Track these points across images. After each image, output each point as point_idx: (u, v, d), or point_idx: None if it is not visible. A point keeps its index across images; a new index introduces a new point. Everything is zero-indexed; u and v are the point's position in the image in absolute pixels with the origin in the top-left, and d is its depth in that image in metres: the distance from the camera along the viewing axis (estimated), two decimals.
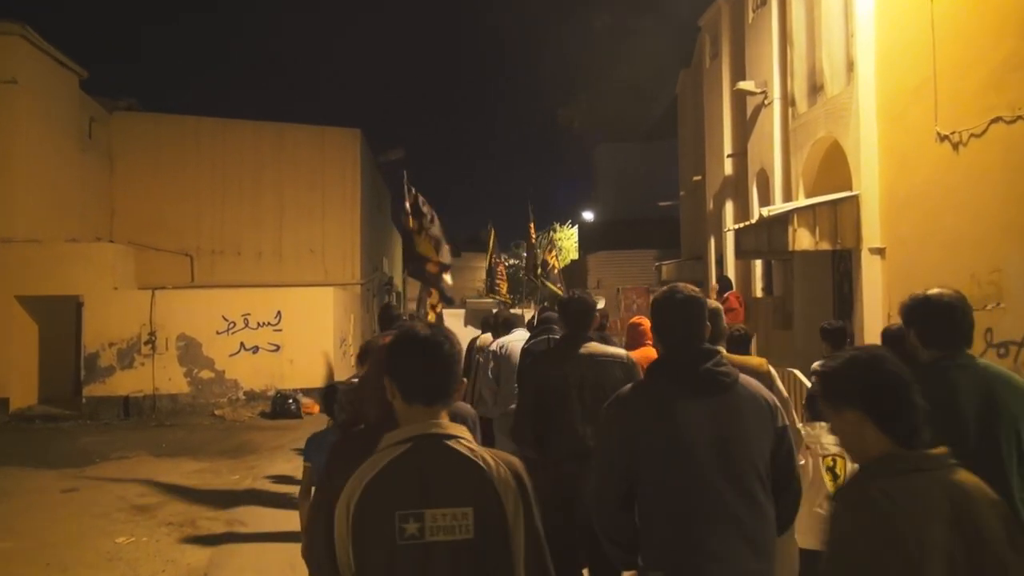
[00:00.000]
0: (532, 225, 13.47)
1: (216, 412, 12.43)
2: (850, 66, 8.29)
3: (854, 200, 8.13)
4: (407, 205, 7.42)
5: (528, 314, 12.84)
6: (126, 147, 16.60)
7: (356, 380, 4.25)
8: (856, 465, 1.81)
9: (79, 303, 12.75)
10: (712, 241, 14.75)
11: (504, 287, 13.23)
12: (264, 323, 13.11)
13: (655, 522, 2.28)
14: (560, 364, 3.55)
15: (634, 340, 5.02)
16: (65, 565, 5.48)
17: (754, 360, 4.13)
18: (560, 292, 11.41)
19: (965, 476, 1.66)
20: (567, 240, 39.47)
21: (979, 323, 6.18)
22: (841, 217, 8.18)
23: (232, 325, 13.01)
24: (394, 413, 1.80)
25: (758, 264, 12.41)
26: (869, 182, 8.02)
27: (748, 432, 2.27)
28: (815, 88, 9.32)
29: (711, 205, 14.78)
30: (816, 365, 3.99)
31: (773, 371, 3.97)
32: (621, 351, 3.72)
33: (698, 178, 15.98)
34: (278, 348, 13.12)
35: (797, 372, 7.17)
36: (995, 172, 6.14)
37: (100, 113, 16.01)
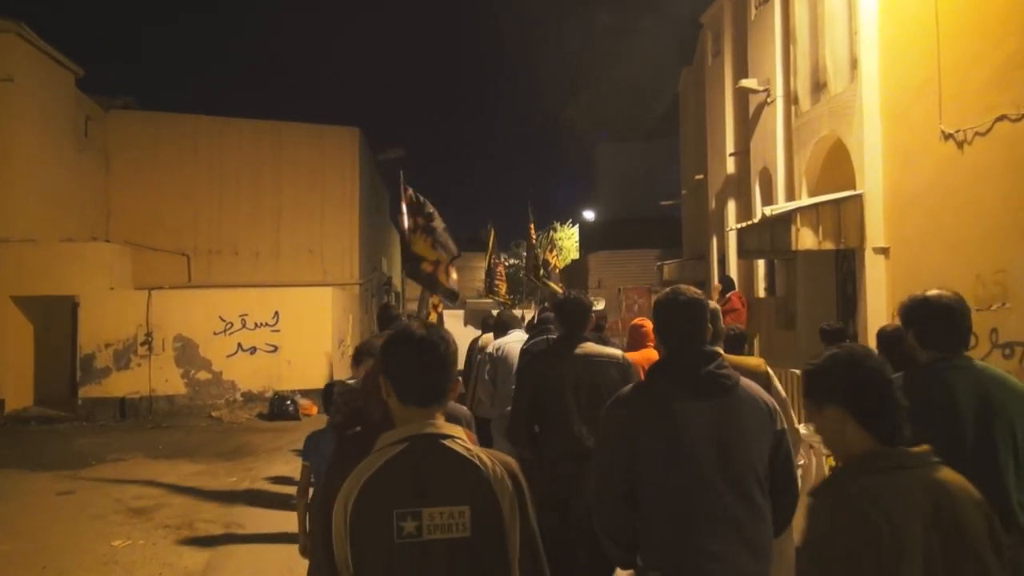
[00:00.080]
0: (532, 225, 13.47)
1: (213, 414, 12.43)
2: (854, 64, 8.29)
3: (858, 199, 8.13)
4: (403, 205, 7.41)
5: (528, 314, 12.84)
6: (123, 146, 16.59)
7: (351, 381, 4.27)
8: None
9: (75, 303, 12.75)
10: (714, 240, 14.74)
11: (503, 288, 13.22)
12: (262, 324, 13.10)
13: (654, 523, 2.32)
14: (556, 364, 3.58)
15: (636, 341, 5.04)
16: (61, 568, 5.48)
17: (751, 360, 4.15)
18: (561, 292, 11.39)
19: (948, 474, 1.68)
20: (568, 240, 39.49)
21: (984, 323, 6.23)
22: (844, 216, 8.18)
23: (229, 326, 13.00)
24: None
25: (761, 264, 12.41)
26: (873, 181, 8.01)
27: (748, 435, 2.31)
28: (818, 86, 9.32)
29: (713, 204, 14.78)
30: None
31: (771, 372, 3.98)
32: (616, 351, 3.74)
33: (700, 177, 15.98)
34: (276, 349, 13.11)
35: (799, 373, 7.17)
36: (1000, 170, 6.14)
37: (97, 112, 16.02)
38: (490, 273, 13.16)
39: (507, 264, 24.25)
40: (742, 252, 10.78)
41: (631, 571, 2.55)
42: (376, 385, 1.91)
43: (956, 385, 2.48)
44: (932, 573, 1.58)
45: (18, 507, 7.16)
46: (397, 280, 26.69)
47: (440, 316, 7.97)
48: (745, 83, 11.64)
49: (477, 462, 1.72)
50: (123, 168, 16.59)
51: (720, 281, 11.66)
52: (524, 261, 18.80)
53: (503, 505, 1.70)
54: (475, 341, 6.80)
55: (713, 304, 3.56)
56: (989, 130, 6.24)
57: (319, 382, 12.52)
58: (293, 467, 8.21)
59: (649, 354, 4.65)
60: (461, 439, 1.76)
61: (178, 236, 16.78)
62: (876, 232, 7.98)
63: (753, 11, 12.12)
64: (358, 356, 4.07)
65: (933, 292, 2.64)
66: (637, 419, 2.38)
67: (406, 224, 7.38)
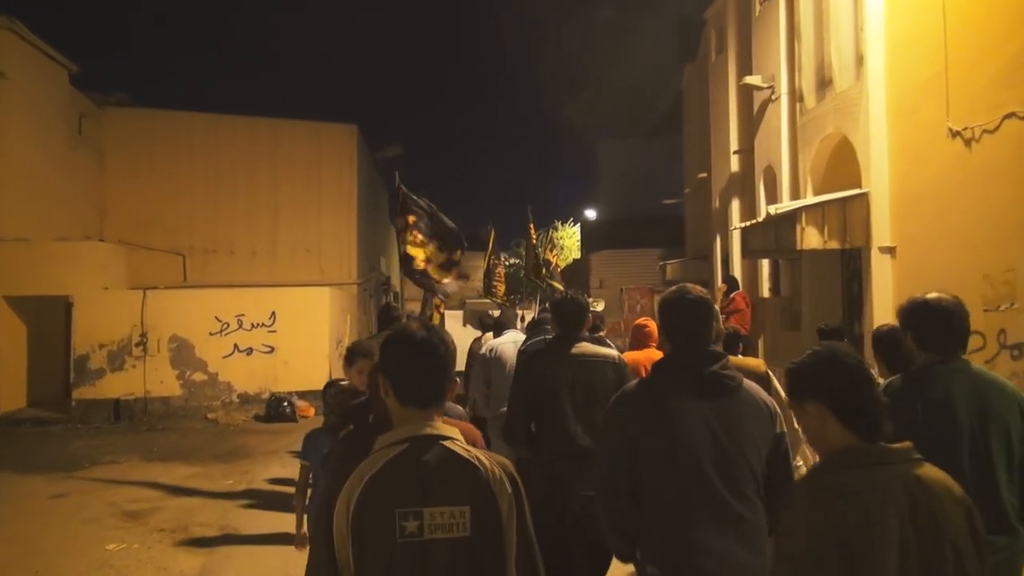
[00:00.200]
0: (532, 225, 13.47)
1: (209, 415, 12.43)
2: (859, 60, 8.28)
3: (864, 198, 8.12)
4: (398, 206, 7.42)
5: (529, 315, 12.83)
6: (117, 143, 16.61)
7: (345, 383, 4.31)
8: None
9: (69, 303, 12.76)
10: (718, 240, 14.74)
11: (501, 288, 13.22)
12: (258, 324, 13.11)
13: (654, 519, 2.40)
14: (552, 364, 3.63)
15: (639, 341, 5.06)
16: (55, 572, 5.48)
17: (752, 361, 4.18)
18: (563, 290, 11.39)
19: (928, 471, 1.72)
20: (569, 239, 39.50)
21: (992, 324, 6.23)
22: (850, 215, 8.17)
23: (225, 326, 13.01)
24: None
25: (765, 263, 12.40)
26: (879, 179, 8.01)
27: (748, 436, 2.38)
28: (823, 83, 9.32)
29: (717, 203, 14.77)
30: None
31: (771, 373, 4.01)
32: (612, 352, 3.79)
33: (703, 175, 15.97)
34: (273, 350, 13.12)
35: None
36: (1009, 169, 6.14)
37: (91, 108, 16.02)
38: (489, 274, 13.17)
39: (507, 264, 24.26)
40: (746, 252, 10.77)
41: (630, 565, 2.61)
42: (377, 384, 1.95)
43: (954, 387, 2.56)
44: (907, 568, 1.62)
45: (11, 510, 7.16)
46: (396, 280, 26.69)
47: (442, 316, 7.98)
48: (749, 80, 11.63)
49: (477, 463, 1.76)
50: (117, 166, 16.60)
51: (724, 281, 11.67)
52: (524, 260, 18.80)
53: (502, 506, 1.75)
54: (476, 341, 6.84)
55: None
56: (997, 128, 6.23)
57: (316, 383, 12.48)
58: (290, 469, 8.21)
59: (652, 354, 4.67)
60: (460, 440, 1.80)
61: (173, 235, 16.79)
62: (882, 231, 7.97)
63: (757, 7, 12.11)
64: (350, 357, 4.11)
65: (932, 295, 2.71)
66: (638, 418, 2.45)
67: (399, 223, 7.39)
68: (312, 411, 12.26)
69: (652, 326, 4.97)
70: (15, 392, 12.69)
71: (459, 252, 7.61)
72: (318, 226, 17.76)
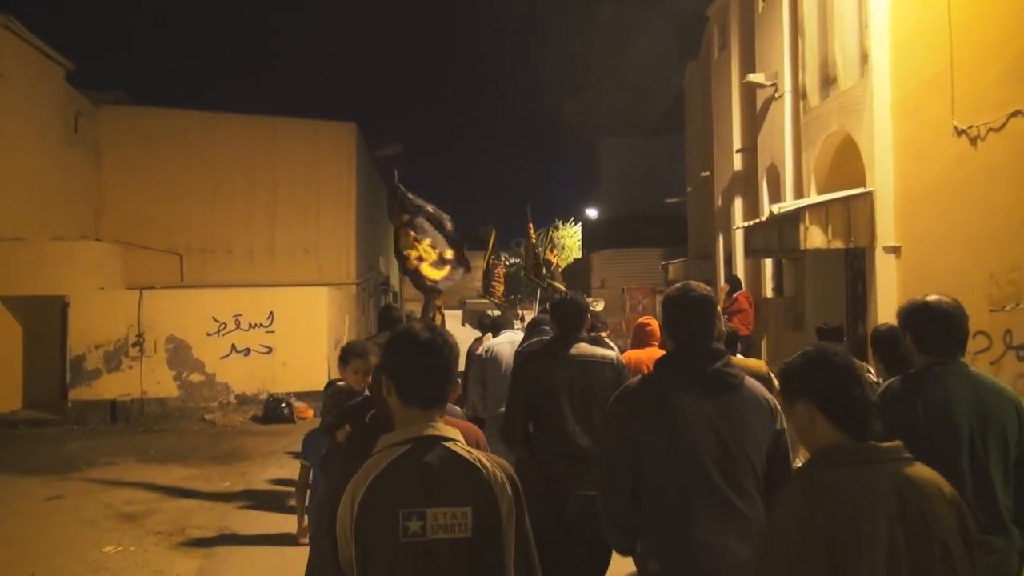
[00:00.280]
0: (531, 225, 13.47)
1: (206, 416, 12.43)
2: (864, 58, 8.28)
3: (868, 197, 8.13)
4: (396, 205, 7.46)
5: (530, 315, 12.82)
6: (113, 142, 16.61)
7: (342, 383, 4.33)
8: None
9: (64, 303, 12.76)
10: (720, 239, 14.75)
11: (500, 289, 13.22)
12: (256, 324, 13.11)
13: (655, 515, 2.44)
14: (550, 365, 3.66)
15: (641, 340, 5.09)
16: (51, 575, 5.48)
17: (753, 363, 4.22)
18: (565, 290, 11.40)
19: (918, 470, 1.74)
20: (570, 238, 39.52)
21: (998, 324, 6.22)
22: (854, 214, 8.17)
23: (223, 326, 13.01)
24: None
25: (768, 263, 12.40)
26: (883, 178, 8.01)
27: (749, 433, 2.42)
28: (827, 81, 9.32)
29: (719, 202, 14.78)
30: None
31: (773, 375, 4.03)
32: (610, 352, 3.83)
33: (706, 174, 15.98)
34: (270, 350, 13.12)
35: None
36: (1014, 167, 6.14)
37: (87, 107, 16.03)
38: (488, 274, 13.16)
39: (507, 264, 24.25)
40: (749, 251, 10.77)
41: (631, 566, 2.68)
42: (379, 383, 1.98)
43: (954, 390, 2.62)
44: (896, 566, 1.64)
45: (6, 512, 7.16)
46: (395, 279, 26.71)
47: (443, 317, 8.01)
48: (752, 78, 11.64)
49: (479, 465, 1.80)
50: (114, 164, 16.60)
51: (727, 281, 11.66)
52: (524, 260, 18.82)
53: (502, 507, 1.79)
54: (476, 341, 6.87)
55: None
56: (1003, 126, 6.23)
57: (314, 384, 12.52)
58: (288, 471, 8.22)
59: (653, 353, 4.69)
60: (461, 441, 1.84)
61: (170, 234, 16.80)
62: (887, 230, 7.98)
63: (760, 3, 12.11)
64: (344, 357, 4.15)
65: (932, 297, 2.77)
66: (639, 416, 2.48)
67: (396, 223, 7.43)
68: (311, 412, 12.26)
69: (654, 325, 5.02)
70: (10, 393, 12.69)
71: (451, 250, 7.62)
72: (316, 225, 17.76)
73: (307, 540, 4.77)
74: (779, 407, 2.49)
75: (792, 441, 2.50)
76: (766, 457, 2.43)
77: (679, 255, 19.63)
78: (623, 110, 31.12)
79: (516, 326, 6.70)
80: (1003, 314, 6.13)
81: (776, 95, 11.25)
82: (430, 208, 7.62)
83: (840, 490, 1.68)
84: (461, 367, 2.27)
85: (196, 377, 12.88)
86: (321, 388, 5.71)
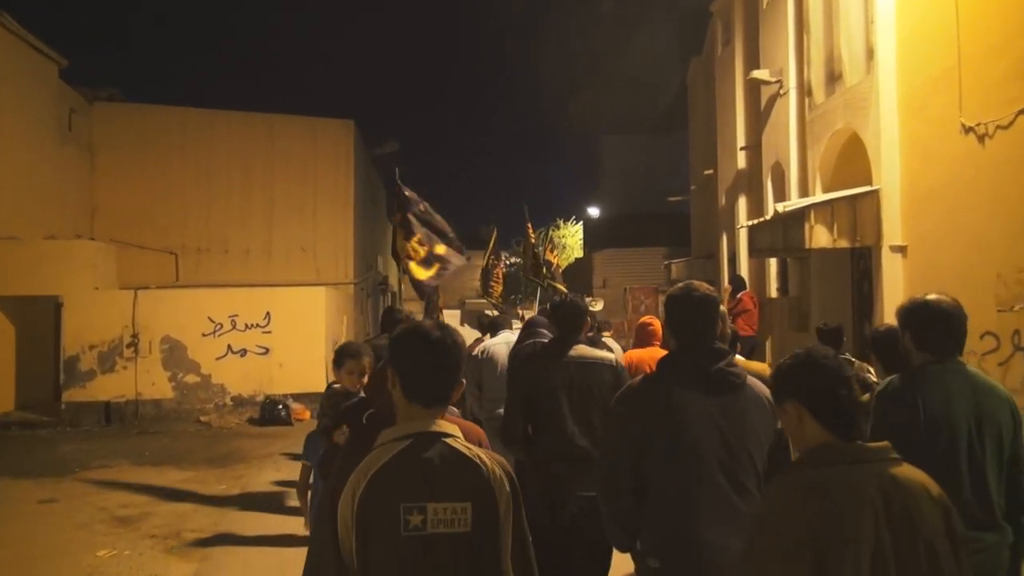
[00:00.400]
0: (529, 225, 13.49)
1: (202, 418, 12.43)
2: (870, 54, 8.28)
3: (874, 195, 8.13)
4: (395, 204, 7.50)
5: (529, 315, 12.82)
6: (108, 140, 16.61)
7: (336, 386, 4.36)
8: None
9: (58, 304, 12.77)
10: (724, 238, 14.76)
11: (498, 289, 13.24)
12: (252, 325, 13.11)
13: (656, 514, 2.49)
14: (548, 366, 3.70)
15: (643, 340, 5.13)
16: None
17: (756, 366, 4.26)
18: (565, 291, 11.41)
19: (905, 470, 1.78)
20: (572, 237, 39.51)
21: (1006, 325, 6.22)
22: (860, 213, 8.17)
23: (219, 327, 13.01)
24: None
25: (773, 263, 12.41)
26: (890, 176, 8.01)
27: (751, 432, 2.48)
28: (833, 77, 9.32)
29: (723, 200, 14.78)
30: None
31: None
32: (609, 354, 3.87)
33: (709, 172, 15.99)
34: (267, 351, 13.12)
35: None
36: (1022, 165, 6.14)
37: (81, 104, 16.03)
38: (487, 274, 13.17)
39: (507, 264, 24.24)
40: (753, 250, 10.77)
41: (631, 566, 2.70)
42: (383, 380, 2.03)
43: (953, 388, 2.67)
44: (882, 565, 1.67)
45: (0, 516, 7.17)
46: (394, 279, 26.71)
47: (442, 317, 8.05)
48: (757, 74, 11.64)
49: (478, 461, 1.85)
50: (108, 162, 16.61)
51: (731, 281, 11.67)
52: (523, 260, 18.83)
53: (500, 504, 1.84)
54: (477, 341, 6.90)
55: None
56: (1011, 123, 6.23)
57: (312, 386, 12.53)
58: (285, 473, 8.23)
59: (655, 352, 4.72)
60: (461, 438, 1.89)
61: (165, 233, 16.80)
62: (893, 229, 7.98)
63: None
64: (338, 359, 4.18)
65: (932, 296, 2.83)
66: (640, 417, 2.53)
67: (394, 222, 7.47)
68: (308, 414, 12.26)
69: (656, 324, 5.04)
70: (3, 394, 12.69)
71: (442, 246, 7.65)
72: (314, 224, 17.76)
73: None
74: None
75: None
76: (768, 454, 2.49)
77: (682, 254, 19.65)
78: (625, 107, 31.06)
79: (515, 326, 6.72)
80: (1011, 314, 6.12)
81: (781, 92, 11.25)
82: (422, 207, 7.65)
83: (826, 489, 1.72)
84: None
85: (192, 378, 12.88)
86: (318, 390, 5.74)
